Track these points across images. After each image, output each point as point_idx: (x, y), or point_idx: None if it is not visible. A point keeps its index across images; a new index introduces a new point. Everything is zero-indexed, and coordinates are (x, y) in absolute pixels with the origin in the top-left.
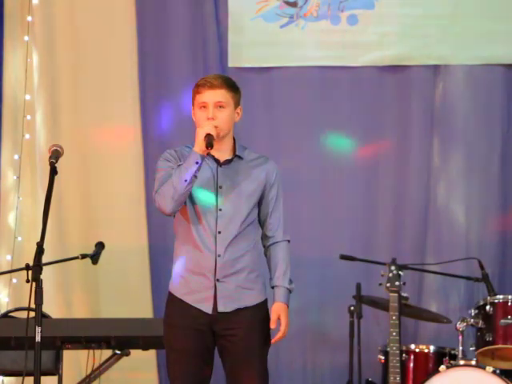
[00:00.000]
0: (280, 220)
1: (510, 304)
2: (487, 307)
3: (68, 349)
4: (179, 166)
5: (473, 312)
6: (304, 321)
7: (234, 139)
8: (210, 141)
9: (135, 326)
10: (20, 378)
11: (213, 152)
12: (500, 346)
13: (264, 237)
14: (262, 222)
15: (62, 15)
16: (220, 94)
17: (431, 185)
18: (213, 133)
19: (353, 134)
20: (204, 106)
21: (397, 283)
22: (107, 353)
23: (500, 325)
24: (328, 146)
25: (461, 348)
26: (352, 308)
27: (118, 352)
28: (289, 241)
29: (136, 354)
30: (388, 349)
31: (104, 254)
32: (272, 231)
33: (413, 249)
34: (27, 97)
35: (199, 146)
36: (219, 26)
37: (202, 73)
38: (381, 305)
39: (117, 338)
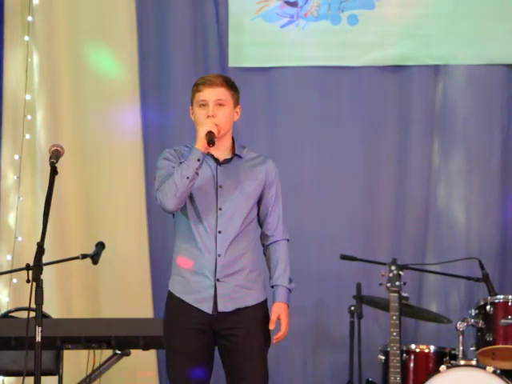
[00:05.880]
0: (279, 219)
1: (510, 304)
2: (487, 307)
3: (68, 349)
4: (181, 163)
5: (473, 312)
6: (304, 320)
7: (232, 138)
8: (211, 138)
9: (135, 326)
10: (20, 378)
11: (212, 151)
12: (500, 346)
13: (263, 236)
14: (261, 221)
15: (62, 15)
16: (220, 92)
17: (431, 185)
18: (214, 130)
19: (353, 134)
20: (204, 104)
21: (397, 283)
22: (107, 353)
23: (500, 325)
24: (328, 146)
25: (461, 348)
26: (352, 308)
27: (119, 352)
28: (288, 240)
29: (136, 353)
30: (388, 349)
31: (104, 253)
32: (271, 230)
33: (413, 249)
34: (27, 97)
35: (201, 143)
36: (219, 26)
37: (203, 73)
38: (381, 305)
39: (117, 338)
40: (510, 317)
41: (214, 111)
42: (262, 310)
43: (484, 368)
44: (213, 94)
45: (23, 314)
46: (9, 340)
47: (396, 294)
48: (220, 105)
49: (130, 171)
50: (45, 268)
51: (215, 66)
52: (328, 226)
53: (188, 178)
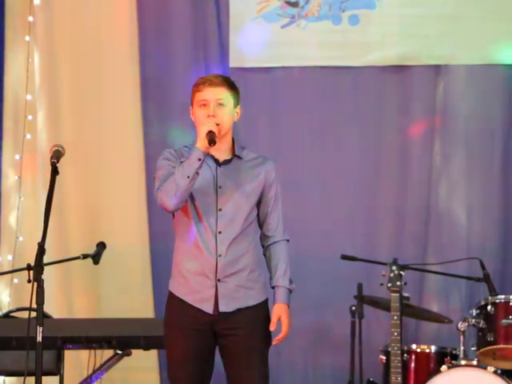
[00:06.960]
0: (279, 220)
1: (511, 304)
2: (488, 307)
3: (69, 349)
4: (181, 163)
5: (474, 312)
6: (305, 321)
7: (232, 139)
8: (212, 137)
9: (136, 326)
10: (21, 378)
11: (212, 152)
12: (501, 346)
13: (263, 237)
14: (261, 222)
15: (63, 15)
16: (220, 92)
17: (432, 185)
18: (215, 130)
19: (354, 134)
20: (204, 104)
21: (398, 283)
22: (108, 353)
23: (501, 325)
24: (328, 146)
25: (462, 348)
26: (353, 308)
27: (120, 352)
28: (288, 240)
29: (137, 354)
30: (389, 349)
31: (105, 254)
32: (271, 231)
33: (414, 249)
34: (28, 97)
35: (201, 142)
36: (220, 27)
37: (203, 73)
38: (382, 305)
39: (118, 338)
40: (510, 317)
41: (214, 111)
42: (263, 310)
43: (485, 368)
44: (213, 93)
45: (24, 314)
46: (10, 340)
47: (397, 294)
48: (220, 105)
49: (131, 171)
50: (46, 268)
51: (216, 66)
52: (328, 226)
53: (189, 177)
